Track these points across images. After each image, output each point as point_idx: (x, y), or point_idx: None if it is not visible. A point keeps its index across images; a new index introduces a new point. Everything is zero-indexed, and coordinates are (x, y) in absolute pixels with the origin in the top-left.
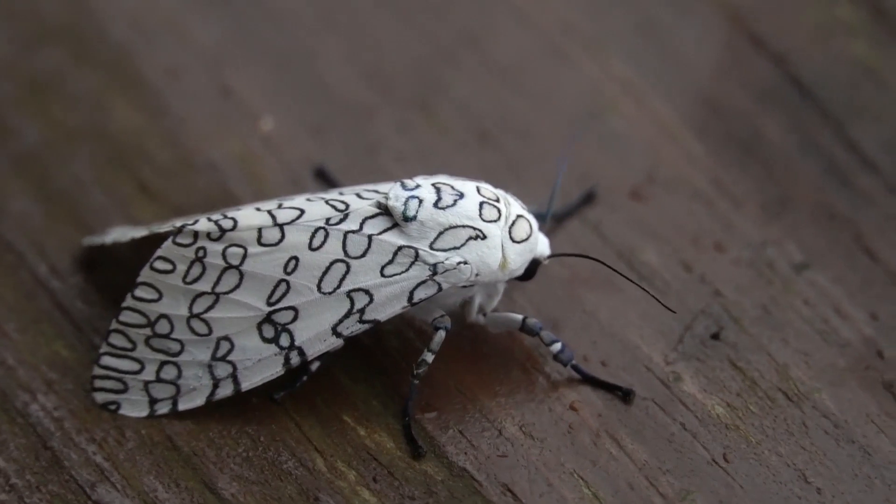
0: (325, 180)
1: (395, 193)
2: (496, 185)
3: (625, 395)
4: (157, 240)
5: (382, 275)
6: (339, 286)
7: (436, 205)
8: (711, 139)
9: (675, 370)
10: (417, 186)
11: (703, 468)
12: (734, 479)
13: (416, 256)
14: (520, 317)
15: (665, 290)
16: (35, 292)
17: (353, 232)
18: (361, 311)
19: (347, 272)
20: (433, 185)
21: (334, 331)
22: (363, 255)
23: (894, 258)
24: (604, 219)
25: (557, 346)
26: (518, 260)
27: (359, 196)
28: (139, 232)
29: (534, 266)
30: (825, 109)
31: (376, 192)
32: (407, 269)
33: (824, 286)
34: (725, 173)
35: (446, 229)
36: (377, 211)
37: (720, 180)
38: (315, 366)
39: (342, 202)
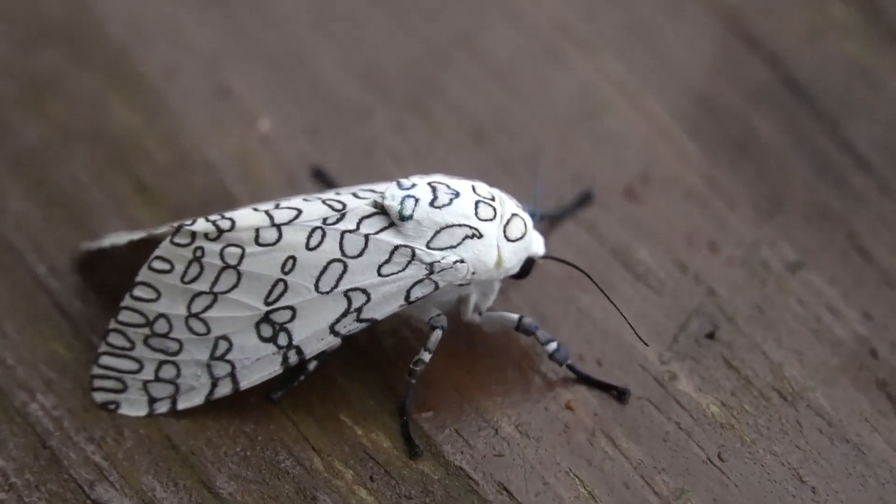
0: (322, 180)
1: (391, 193)
2: (491, 185)
3: (620, 395)
4: (155, 242)
5: (379, 274)
6: (336, 285)
7: (432, 204)
8: (705, 139)
9: (669, 369)
10: (413, 186)
11: (698, 467)
12: (729, 477)
13: (413, 255)
14: (515, 316)
15: (659, 290)
16: (33, 292)
17: (350, 231)
18: (359, 310)
19: (345, 271)
20: (429, 184)
21: (332, 330)
22: (360, 255)
23: (888, 257)
24: (598, 218)
25: (553, 346)
26: (513, 258)
27: (355, 196)
28: (137, 235)
29: (529, 264)
30: (818, 109)
31: (373, 191)
32: (404, 269)
33: (818, 285)
34: (719, 172)
35: (442, 228)
36: (374, 210)
37: (714, 179)
38: (312, 365)
39: (339, 202)
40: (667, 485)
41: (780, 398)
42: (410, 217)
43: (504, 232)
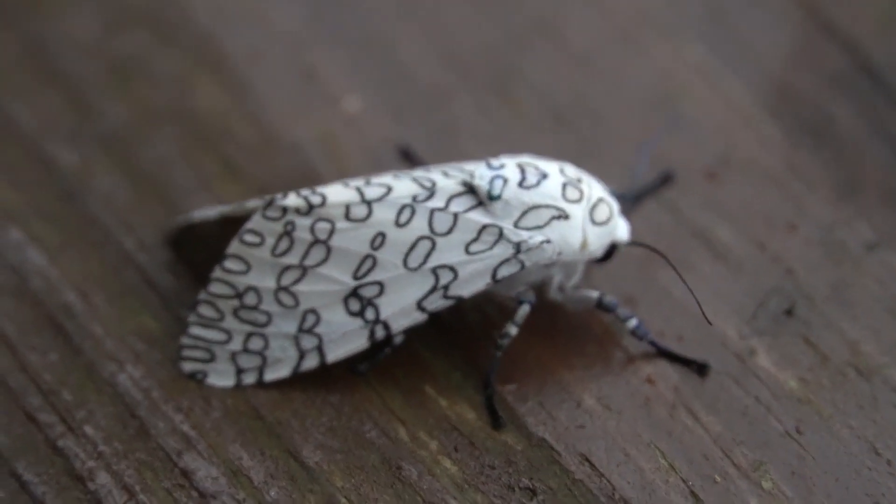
0: (409, 159)
1: (480, 172)
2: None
3: (700, 369)
4: (244, 217)
5: (467, 252)
6: (424, 262)
7: (520, 184)
8: (783, 122)
9: (749, 345)
10: (502, 166)
11: (777, 440)
12: (806, 450)
13: (501, 235)
14: (596, 294)
15: (739, 268)
16: (122, 266)
17: (439, 209)
18: (446, 287)
19: (433, 249)
20: (518, 164)
21: (419, 306)
22: (449, 233)
23: None
24: (679, 199)
25: (633, 322)
26: (598, 241)
27: (445, 174)
28: (227, 209)
29: (612, 249)
30: (894, 95)
31: (462, 170)
32: (491, 247)
33: (894, 265)
34: (797, 155)
35: (530, 209)
36: (463, 189)
37: (792, 162)
38: (398, 339)
39: (429, 180)
40: (745, 457)
41: (857, 374)
42: (499, 197)
43: (590, 215)
